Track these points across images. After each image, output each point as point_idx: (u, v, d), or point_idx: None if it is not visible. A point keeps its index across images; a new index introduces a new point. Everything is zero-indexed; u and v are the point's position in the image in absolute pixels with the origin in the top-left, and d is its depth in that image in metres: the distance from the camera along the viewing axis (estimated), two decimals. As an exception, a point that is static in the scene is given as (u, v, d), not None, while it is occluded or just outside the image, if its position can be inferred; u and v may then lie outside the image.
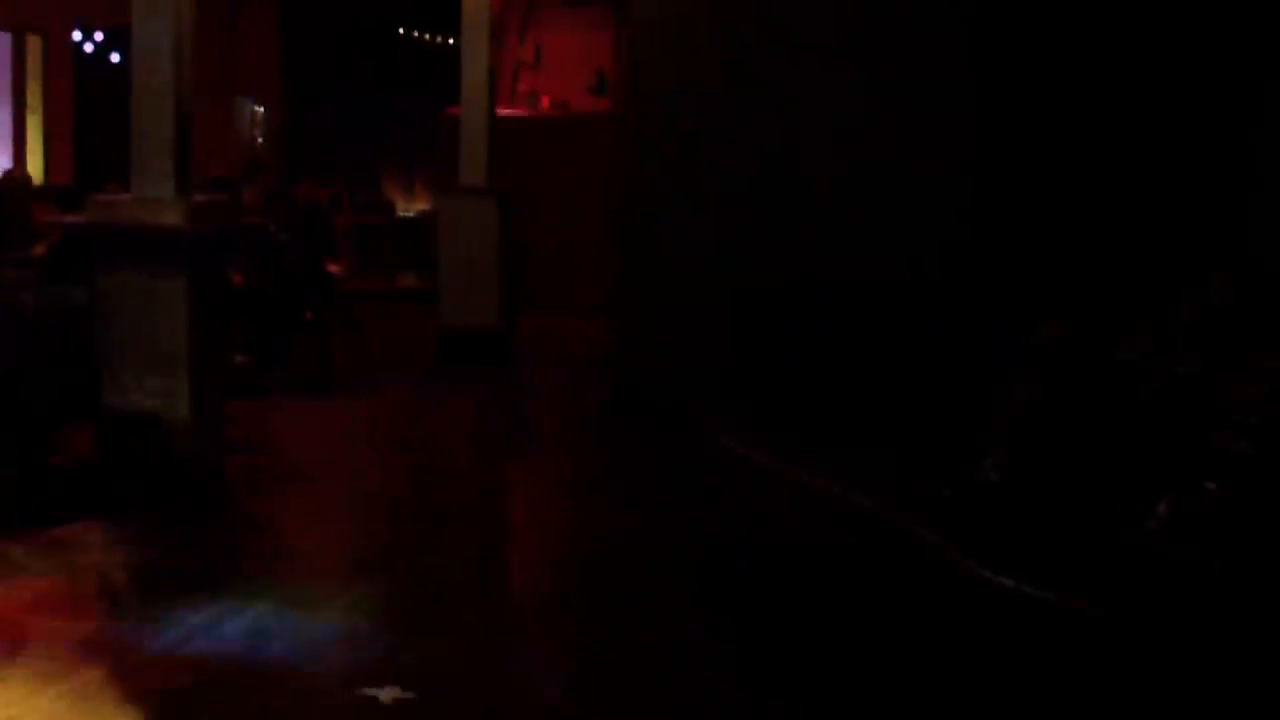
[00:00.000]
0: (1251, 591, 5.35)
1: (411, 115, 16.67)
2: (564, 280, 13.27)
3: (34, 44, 13.53)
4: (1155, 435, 5.97)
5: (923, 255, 7.98)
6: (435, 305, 10.77)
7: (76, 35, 14.17)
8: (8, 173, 11.94)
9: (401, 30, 17.68)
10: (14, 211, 8.82)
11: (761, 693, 4.45)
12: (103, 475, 6.30)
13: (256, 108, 16.67)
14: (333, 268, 11.02)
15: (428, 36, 17.72)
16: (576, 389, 10.10)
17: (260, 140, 16.61)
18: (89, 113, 13.87)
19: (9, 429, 6.33)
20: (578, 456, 8.23)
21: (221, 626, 4.76)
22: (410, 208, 17.11)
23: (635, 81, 9.21)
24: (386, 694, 4.21)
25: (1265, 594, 5.33)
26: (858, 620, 5.18)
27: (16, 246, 8.55)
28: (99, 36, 14.32)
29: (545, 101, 14.58)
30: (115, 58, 14.04)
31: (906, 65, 8.13)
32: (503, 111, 12.32)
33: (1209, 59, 7.68)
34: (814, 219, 8.34)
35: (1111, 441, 6.16)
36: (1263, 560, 5.47)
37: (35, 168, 13.56)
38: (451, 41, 14.86)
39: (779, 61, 8.51)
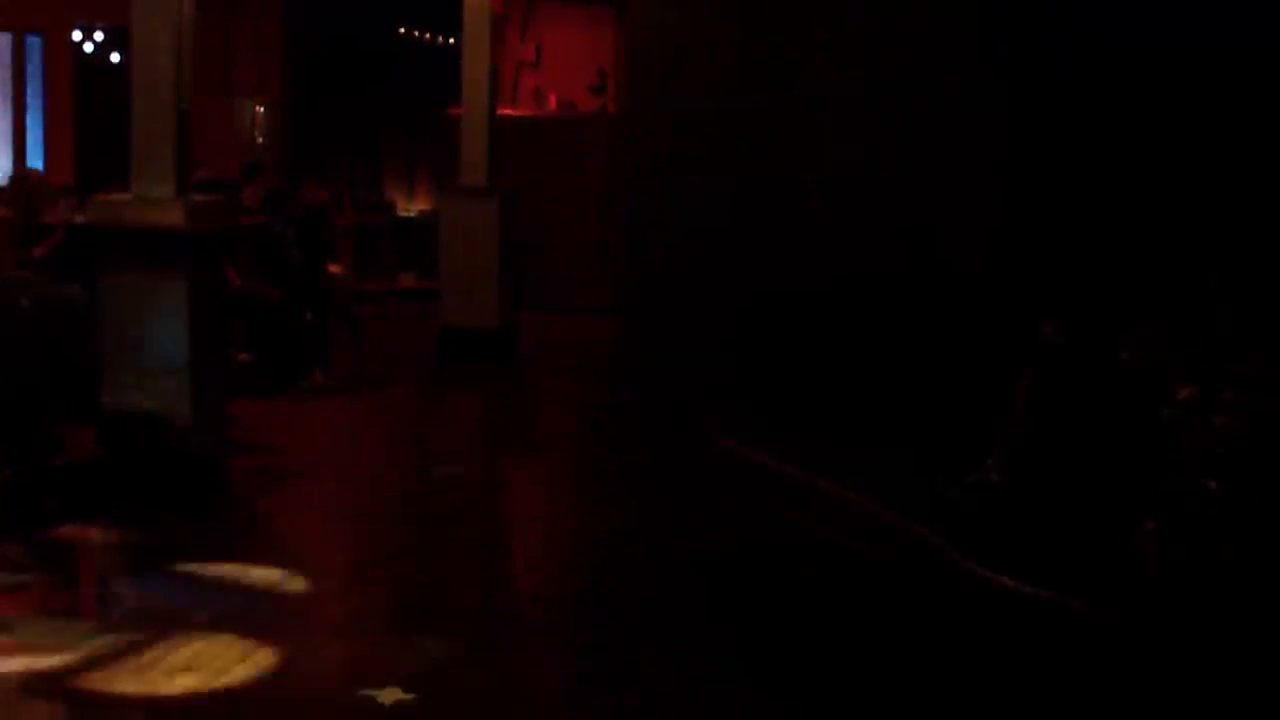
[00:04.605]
0: (1250, 591, 5.35)
1: (413, 115, 16.66)
2: (565, 281, 13.26)
3: (33, 44, 13.54)
4: (1155, 435, 5.96)
5: (924, 254, 7.97)
6: (436, 305, 10.77)
7: (76, 35, 14.17)
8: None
9: (403, 30, 17.68)
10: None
11: (763, 693, 4.45)
12: (104, 476, 6.30)
13: (257, 108, 16.67)
14: (334, 268, 11.02)
15: (429, 36, 17.72)
16: (578, 389, 10.10)
17: (261, 140, 16.59)
18: (89, 113, 13.86)
19: (10, 429, 6.33)
20: (579, 456, 8.23)
21: (222, 626, 4.76)
22: (411, 207, 17.10)
23: (635, 81, 9.21)
24: (387, 695, 4.21)
25: (1263, 593, 5.32)
26: (859, 620, 5.17)
27: (23, 246, 8.55)
28: (99, 36, 14.32)
29: (552, 100, 14.57)
30: (115, 58, 14.04)
31: (908, 64, 8.12)
32: (504, 111, 12.31)
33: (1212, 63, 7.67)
34: (815, 218, 8.34)
35: (1112, 442, 6.15)
36: (1260, 559, 5.47)
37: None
38: (453, 41, 14.85)
39: (780, 60, 8.51)
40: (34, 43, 13.54)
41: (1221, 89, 7.31)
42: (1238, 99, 7.28)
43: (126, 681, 4.30)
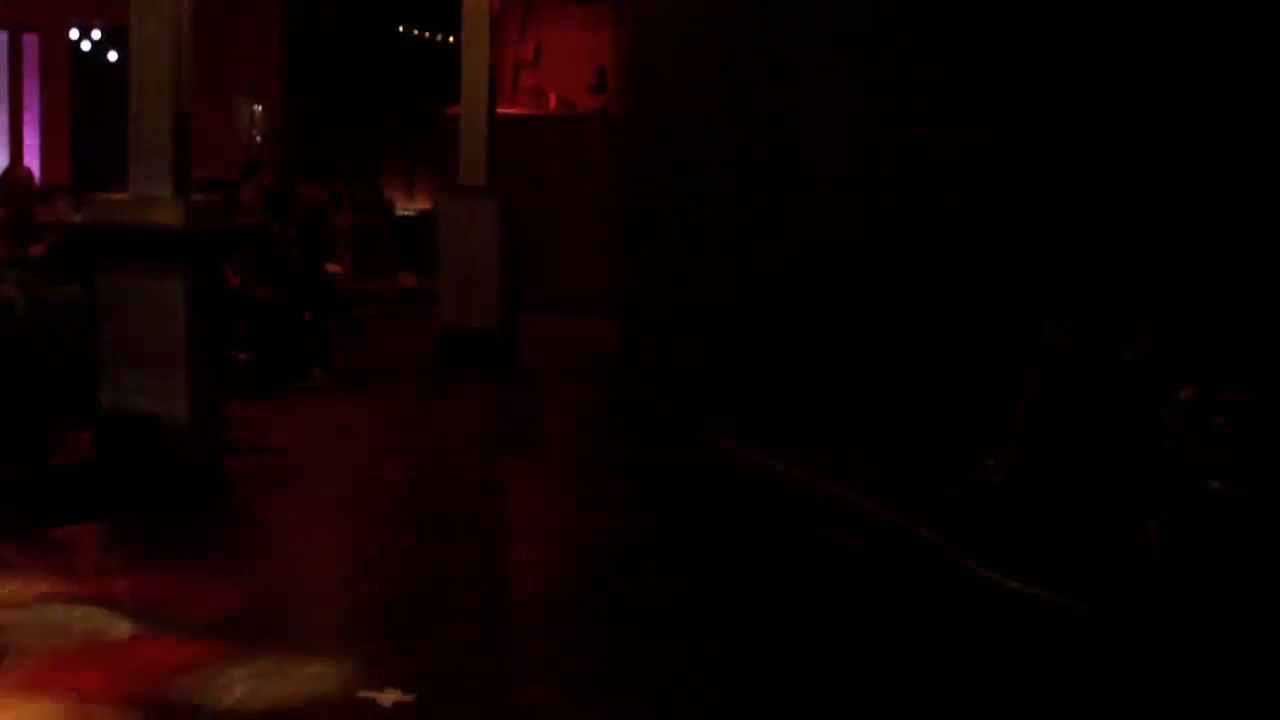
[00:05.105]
0: (1253, 592, 5.33)
1: (412, 114, 16.65)
2: (563, 280, 13.24)
3: (30, 43, 13.51)
4: (1157, 435, 5.95)
5: (926, 256, 7.94)
6: (435, 305, 10.75)
7: (74, 34, 14.14)
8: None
9: (402, 28, 17.67)
10: (22, 209, 8.81)
11: (762, 694, 4.43)
12: (102, 477, 6.28)
13: (256, 107, 16.65)
14: (333, 267, 11.00)
15: (428, 35, 17.71)
16: (577, 390, 10.09)
17: (259, 140, 16.57)
18: (86, 112, 13.84)
19: (8, 430, 6.31)
20: (579, 457, 8.21)
21: (220, 629, 4.74)
22: (410, 207, 17.08)
23: (635, 80, 9.18)
24: (386, 696, 4.20)
25: (1266, 595, 5.31)
26: (859, 620, 5.16)
27: (19, 245, 8.54)
28: (96, 35, 14.29)
29: (551, 99, 14.55)
30: (113, 56, 14.02)
31: (908, 63, 8.09)
32: (503, 110, 12.30)
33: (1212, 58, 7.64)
34: (815, 218, 8.31)
35: (1115, 441, 6.14)
36: (1262, 559, 5.46)
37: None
38: (452, 40, 14.84)
39: (779, 58, 8.48)
40: (31, 41, 13.51)
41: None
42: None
43: (123, 682, 4.28)
